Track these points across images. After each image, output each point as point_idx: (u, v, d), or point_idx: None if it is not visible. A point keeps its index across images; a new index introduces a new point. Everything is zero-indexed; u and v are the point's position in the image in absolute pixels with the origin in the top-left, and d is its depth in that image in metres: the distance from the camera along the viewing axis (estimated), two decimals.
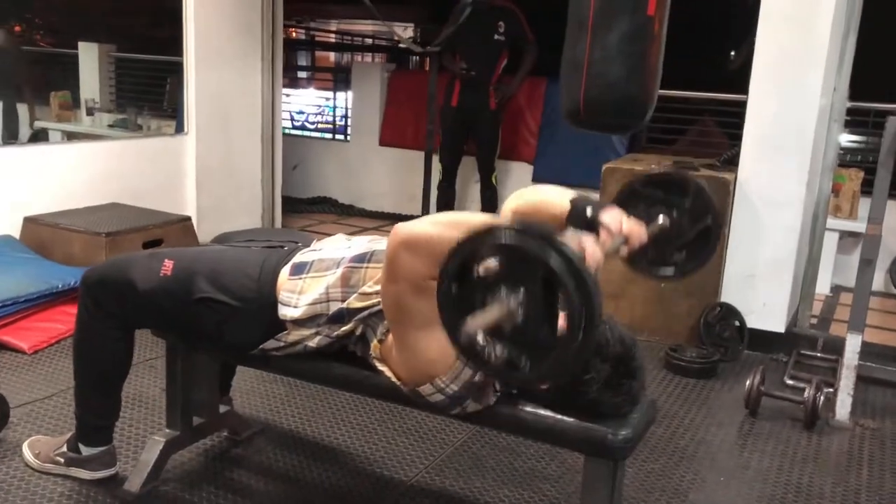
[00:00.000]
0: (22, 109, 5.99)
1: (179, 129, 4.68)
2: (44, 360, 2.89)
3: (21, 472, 2.15)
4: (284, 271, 1.88)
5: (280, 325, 1.85)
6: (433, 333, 1.54)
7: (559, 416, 1.67)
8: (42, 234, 3.67)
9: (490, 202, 5.49)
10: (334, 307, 1.79)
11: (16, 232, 3.69)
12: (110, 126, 5.58)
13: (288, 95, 8.89)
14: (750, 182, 3.35)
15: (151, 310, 1.94)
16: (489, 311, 1.26)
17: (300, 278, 1.85)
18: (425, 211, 5.04)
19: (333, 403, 2.68)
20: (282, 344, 1.86)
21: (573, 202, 1.69)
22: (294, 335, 1.84)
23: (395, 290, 1.58)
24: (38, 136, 4.94)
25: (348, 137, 6.48)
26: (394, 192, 6.04)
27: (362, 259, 1.82)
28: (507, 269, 1.28)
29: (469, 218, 1.59)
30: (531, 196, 1.83)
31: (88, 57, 5.98)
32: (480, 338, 1.30)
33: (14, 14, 6.00)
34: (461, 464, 2.36)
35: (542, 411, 1.69)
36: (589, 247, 1.53)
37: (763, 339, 3.41)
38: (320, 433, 2.51)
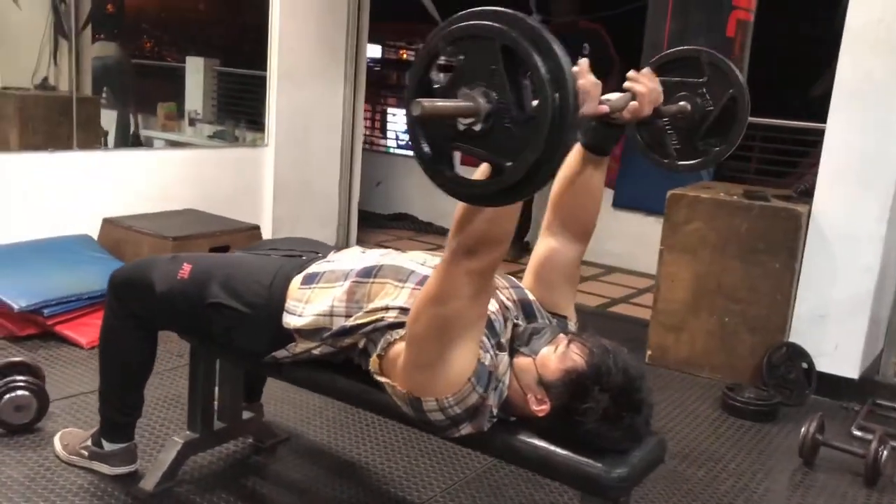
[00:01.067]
0: (130, 118, 6.34)
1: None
2: (98, 356, 2.99)
3: (49, 462, 2.22)
4: (296, 280, 1.88)
5: (288, 336, 1.84)
6: (458, 350, 1.51)
7: (553, 448, 1.59)
8: (117, 235, 3.83)
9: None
10: (338, 322, 1.77)
11: (94, 232, 3.87)
12: (210, 137, 5.81)
13: (394, 115, 9.00)
14: (825, 215, 3.14)
15: (169, 312, 1.98)
16: (448, 102, 1.17)
17: (309, 288, 1.85)
18: None
19: (362, 418, 2.66)
20: (289, 355, 1.85)
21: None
22: (301, 346, 1.83)
23: (445, 311, 1.51)
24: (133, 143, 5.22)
25: None
26: None
27: (368, 274, 1.80)
28: (465, 61, 1.18)
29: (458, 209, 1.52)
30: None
31: (194, 70, 6.26)
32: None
33: (134, 31, 6.37)
34: (479, 491, 2.29)
35: (537, 441, 1.61)
36: (583, 83, 1.41)
37: (834, 385, 3.17)
38: (344, 447, 2.49)
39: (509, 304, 1.78)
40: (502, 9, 1.17)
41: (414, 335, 1.57)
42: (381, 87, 10.94)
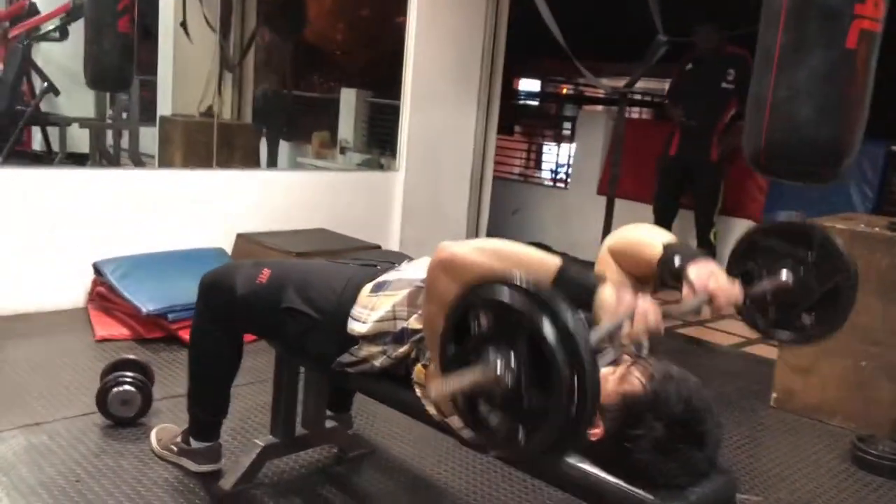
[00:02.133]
0: (285, 146, 6.72)
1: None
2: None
3: (144, 455, 2.33)
4: (366, 288, 1.89)
5: (354, 341, 1.85)
6: None
7: (603, 475, 1.48)
8: (248, 249, 4.02)
9: None
10: (400, 325, 1.77)
11: (229, 246, 4.08)
12: (358, 164, 6.05)
13: (549, 148, 8.99)
14: None
15: (248, 315, 2.03)
16: (467, 373, 1.16)
17: (376, 296, 1.85)
18: None
19: (448, 438, 2.61)
20: (354, 359, 1.85)
21: (666, 248, 1.56)
22: (364, 351, 1.83)
23: (430, 311, 1.51)
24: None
25: (567, 185, 6.42)
26: None
27: None
28: (498, 328, 1.17)
29: (518, 251, 1.50)
30: (627, 234, 1.72)
31: (348, 101, 6.56)
32: (465, 401, 1.22)
33: (294, 65, 6.75)
34: None
35: (588, 467, 1.51)
36: (642, 308, 1.37)
37: None
38: (427, 466, 2.45)
39: None
40: (539, 290, 1.15)
41: (425, 335, 1.55)
42: (539, 119, 10.87)
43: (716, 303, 1.48)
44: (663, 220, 5.14)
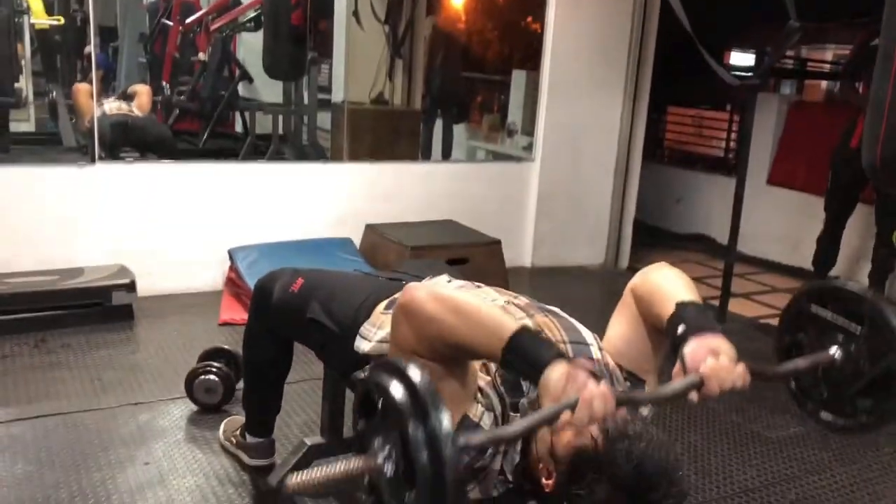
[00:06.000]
0: (458, 129, 6.79)
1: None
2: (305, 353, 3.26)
3: (213, 442, 2.50)
4: (382, 305, 1.88)
5: (365, 359, 1.85)
6: None
7: None
8: (374, 240, 4.14)
9: (882, 266, 4.52)
10: None
11: (358, 236, 4.22)
12: (524, 148, 6.01)
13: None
14: None
15: (281, 322, 2.09)
16: (323, 469, 1.12)
17: (387, 313, 1.83)
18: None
19: None
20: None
21: (678, 307, 1.43)
22: None
23: (391, 353, 1.48)
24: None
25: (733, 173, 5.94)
26: (778, 237, 5.38)
27: None
28: (384, 418, 1.13)
29: (477, 308, 1.40)
30: (651, 277, 1.61)
31: (518, 84, 6.52)
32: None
33: (465, 47, 6.77)
34: None
35: None
36: (588, 394, 1.20)
37: None
38: None
39: None
40: (419, 387, 1.08)
41: None
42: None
43: (706, 387, 1.30)
44: (837, 219, 4.62)
